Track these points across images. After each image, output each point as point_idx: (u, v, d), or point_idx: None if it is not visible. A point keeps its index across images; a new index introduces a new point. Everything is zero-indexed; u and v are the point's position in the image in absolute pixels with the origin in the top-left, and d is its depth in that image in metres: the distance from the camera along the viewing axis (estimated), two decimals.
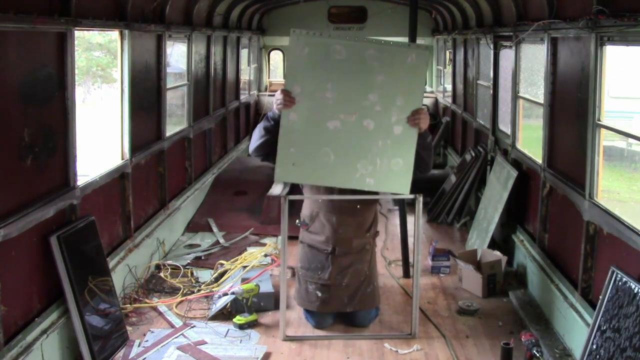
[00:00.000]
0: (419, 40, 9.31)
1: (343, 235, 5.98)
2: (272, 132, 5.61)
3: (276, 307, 6.38)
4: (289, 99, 5.44)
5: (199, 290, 6.90)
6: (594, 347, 4.65)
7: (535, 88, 7.46)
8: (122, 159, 6.92)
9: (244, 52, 13.89)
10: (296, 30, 5.41)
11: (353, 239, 6.01)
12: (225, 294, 6.50)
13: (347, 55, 5.42)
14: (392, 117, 5.50)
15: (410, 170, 5.58)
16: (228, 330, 6.09)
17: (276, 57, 17.38)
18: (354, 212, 5.97)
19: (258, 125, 5.77)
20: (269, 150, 5.73)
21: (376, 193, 5.90)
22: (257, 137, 5.75)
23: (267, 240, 8.58)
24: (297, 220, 6.16)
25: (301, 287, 6.18)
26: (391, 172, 5.58)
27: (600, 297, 4.72)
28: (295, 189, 9.66)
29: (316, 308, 6.09)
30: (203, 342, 5.82)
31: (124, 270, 6.68)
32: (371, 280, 6.17)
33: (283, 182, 6.26)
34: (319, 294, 6.05)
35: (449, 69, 13.50)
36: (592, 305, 5.26)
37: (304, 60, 5.43)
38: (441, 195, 10.04)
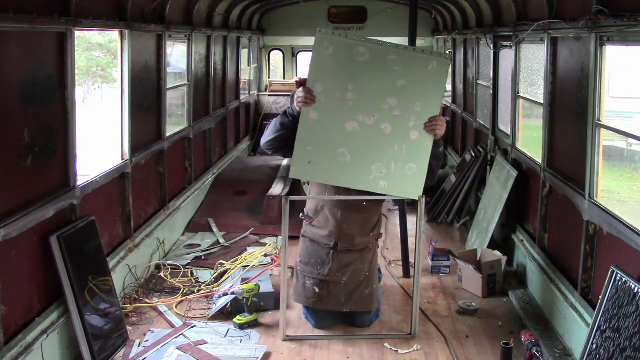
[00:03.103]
0: (419, 41, 9.30)
1: (347, 231, 5.97)
2: (288, 128, 5.62)
3: (276, 307, 6.38)
4: (310, 97, 5.44)
5: (199, 290, 6.91)
6: (594, 347, 4.65)
7: (535, 88, 7.46)
8: (122, 159, 6.92)
9: (244, 52, 13.89)
10: (322, 30, 5.44)
11: (356, 236, 6.00)
12: (225, 294, 6.51)
13: (370, 58, 5.45)
14: (409, 122, 5.53)
15: (424, 177, 5.62)
16: (228, 330, 6.10)
17: (276, 57, 17.37)
18: (360, 209, 5.96)
19: (274, 120, 5.78)
20: (280, 145, 5.76)
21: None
22: (271, 130, 5.75)
23: (267, 240, 8.58)
24: (300, 214, 6.17)
25: (299, 283, 6.16)
26: (404, 177, 5.60)
27: (600, 297, 4.72)
28: (295, 188, 9.69)
29: (312, 304, 6.08)
30: (203, 342, 5.82)
31: (124, 270, 6.68)
32: (370, 282, 6.14)
33: (292, 178, 6.21)
34: (316, 290, 6.03)
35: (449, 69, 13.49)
36: (592, 305, 5.26)
37: (328, 60, 5.45)
38: (441, 195, 10.04)
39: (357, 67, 5.45)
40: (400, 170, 5.59)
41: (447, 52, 13.51)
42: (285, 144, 5.69)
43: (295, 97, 5.52)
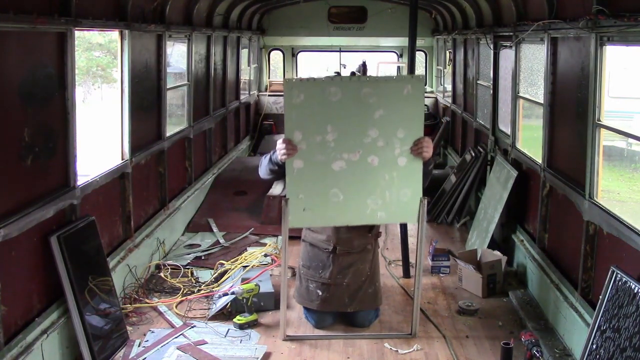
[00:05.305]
0: (419, 41, 9.32)
1: (344, 235, 6.00)
2: (278, 172, 5.71)
3: (276, 307, 6.39)
4: (291, 147, 5.44)
5: (199, 290, 6.91)
6: (594, 347, 4.65)
7: (535, 88, 7.46)
8: (122, 159, 6.92)
9: (244, 52, 13.88)
10: (289, 78, 5.43)
11: (354, 239, 6.03)
12: (225, 294, 6.51)
13: (343, 96, 5.43)
14: (395, 150, 5.53)
15: (419, 198, 5.64)
16: (228, 330, 6.10)
17: (276, 57, 17.38)
18: None
19: (264, 158, 5.81)
20: (277, 178, 5.91)
21: None
22: (264, 170, 5.85)
23: (267, 240, 8.59)
24: None
25: (302, 286, 6.20)
26: (400, 203, 5.64)
27: (600, 297, 4.72)
28: None
29: (316, 307, 6.11)
30: (203, 342, 5.82)
31: (124, 270, 6.69)
32: (373, 280, 6.17)
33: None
34: (320, 293, 6.06)
35: (449, 69, 13.50)
36: (592, 305, 5.26)
37: (301, 107, 5.43)
38: (441, 195, 10.04)
39: (332, 107, 5.43)
40: (395, 197, 5.61)
41: (448, 52, 13.51)
42: (281, 177, 5.76)
43: (277, 149, 5.52)
